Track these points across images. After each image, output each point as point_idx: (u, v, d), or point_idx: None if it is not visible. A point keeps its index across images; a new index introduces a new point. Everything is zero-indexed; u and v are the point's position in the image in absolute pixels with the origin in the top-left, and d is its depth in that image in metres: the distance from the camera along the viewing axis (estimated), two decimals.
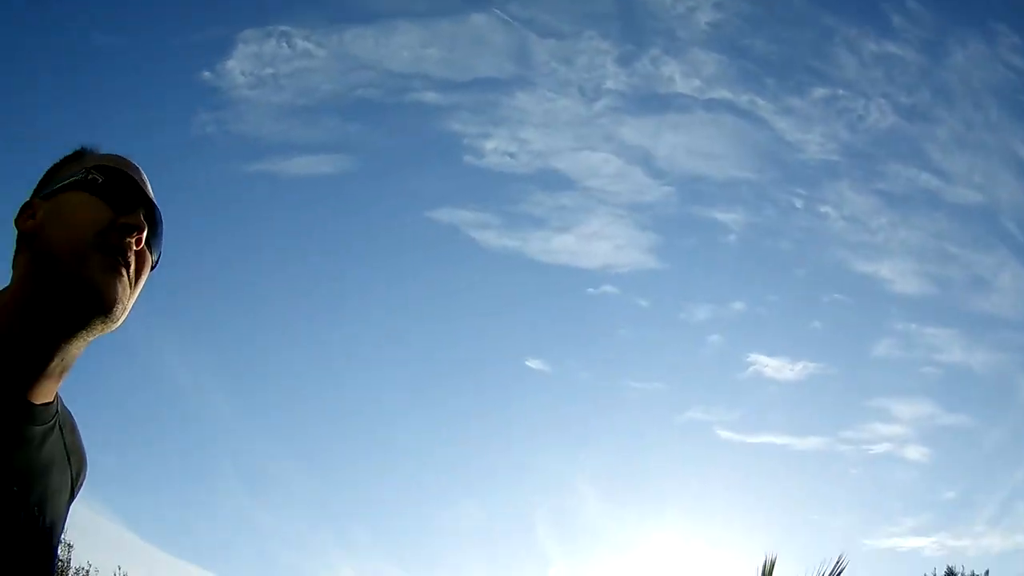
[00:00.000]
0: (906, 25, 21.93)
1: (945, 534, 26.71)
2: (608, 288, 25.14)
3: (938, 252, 24.44)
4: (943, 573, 7.82)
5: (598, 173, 25.15)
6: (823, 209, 24.54)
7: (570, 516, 29.85)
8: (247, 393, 27.39)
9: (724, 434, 26.07)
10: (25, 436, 1.00)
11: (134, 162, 1.16)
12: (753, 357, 25.03)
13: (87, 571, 7.82)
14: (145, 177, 1.15)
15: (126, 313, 1.07)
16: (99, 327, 1.03)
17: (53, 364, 1.02)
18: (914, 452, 26.13)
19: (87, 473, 1.18)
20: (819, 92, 23.57)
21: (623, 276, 25.02)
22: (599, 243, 25.96)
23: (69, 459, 1.11)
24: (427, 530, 31.42)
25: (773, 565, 6.85)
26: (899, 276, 25.83)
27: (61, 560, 7.54)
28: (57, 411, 1.08)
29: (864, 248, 25.48)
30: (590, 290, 25.72)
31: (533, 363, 26.29)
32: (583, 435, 29.82)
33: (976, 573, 7.72)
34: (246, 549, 27.51)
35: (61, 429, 1.09)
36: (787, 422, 27.37)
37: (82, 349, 1.07)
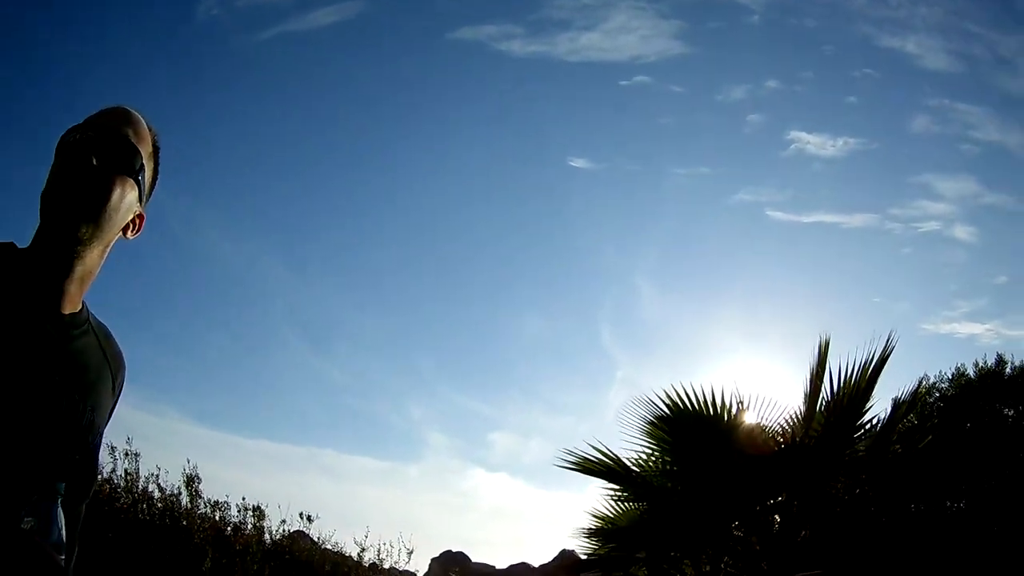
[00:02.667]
0: None
1: (999, 322, 26.55)
2: (641, 78, 24.87)
3: (960, 30, 24.08)
4: (993, 359, 7.80)
5: None
6: None
7: (631, 315, 29.75)
8: (294, 253, 27.41)
9: (775, 215, 25.89)
10: (60, 336, 1.23)
11: (122, 108, 1.37)
12: (794, 135, 24.75)
13: (156, 475, 8.06)
14: (125, 118, 1.35)
15: (110, 221, 1.27)
16: (88, 231, 1.24)
17: (74, 275, 1.25)
18: (962, 232, 25.98)
19: (125, 376, 1.39)
20: None
21: (654, 65, 24.75)
22: (625, 36, 25.68)
23: (108, 362, 1.33)
24: (490, 351, 31.44)
25: (828, 345, 6.63)
26: (926, 51, 25.57)
27: (130, 473, 7.92)
28: (88, 319, 1.32)
29: (888, 23, 25.14)
30: (623, 82, 25.44)
31: (576, 162, 26.14)
32: (634, 229, 29.65)
33: None
34: (316, 410, 27.69)
35: (96, 335, 1.32)
36: (835, 199, 27.09)
37: (98, 259, 1.30)
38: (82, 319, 1.29)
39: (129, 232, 1.37)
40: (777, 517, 6.63)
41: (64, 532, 1.17)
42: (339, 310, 29.16)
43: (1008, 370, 7.86)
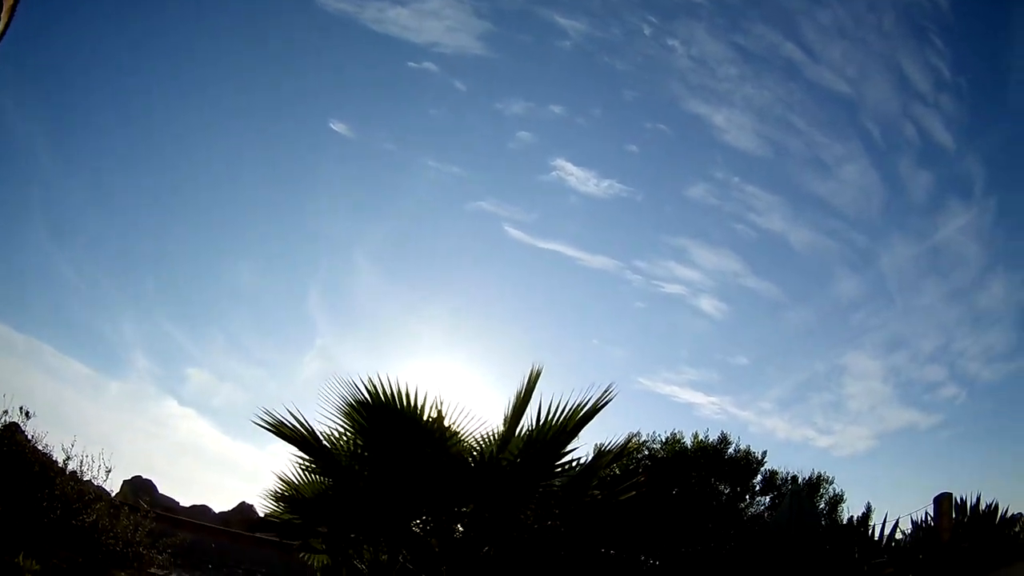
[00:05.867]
0: None
1: (729, 399, 27.35)
2: (429, 65, 24.91)
3: (782, 121, 24.59)
4: (717, 436, 7.95)
5: None
6: (671, 43, 24.46)
7: (342, 288, 29.90)
8: (69, 144, 26.61)
9: (513, 232, 26.24)
10: None
11: None
12: (559, 163, 25.09)
13: None
14: None
15: None
16: None
17: None
18: (709, 305, 26.63)
19: None
20: None
21: (446, 56, 24.77)
22: (433, 21, 25.71)
23: None
24: (204, 286, 31.36)
25: (538, 375, 6.74)
26: (735, 128, 25.99)
27: None
28: None
29: (704, 91, 25.53)
30: (411, 64, 25.42)
31: (338, 126, 26.12)
32: (368, 206, 29.54)
33: (752, 449, 7.76)
34: (45, 302, 27.38)
35: None
36: (581, 236, 27.51)
37: None
38: None
39: None
40: (460, 527, 6.81)
41: None
42: (89, 205, 28.75)
43: (731, 451, 8.16)
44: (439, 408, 6.44)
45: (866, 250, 27.58)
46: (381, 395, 6.33)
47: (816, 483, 9.45)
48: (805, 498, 8.86)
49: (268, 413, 6.52)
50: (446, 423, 6.50)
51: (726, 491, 7.87)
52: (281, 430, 6.54)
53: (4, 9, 1.04)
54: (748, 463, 8.08)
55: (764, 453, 8.22)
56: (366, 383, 6.33)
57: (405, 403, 6.37)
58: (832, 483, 9.66)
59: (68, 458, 8.68)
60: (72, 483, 8.37)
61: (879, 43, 23.27)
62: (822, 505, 9.34)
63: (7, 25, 1.09)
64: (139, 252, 29.82)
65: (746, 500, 8.10)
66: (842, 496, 9.91)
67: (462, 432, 6.56)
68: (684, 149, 25.35)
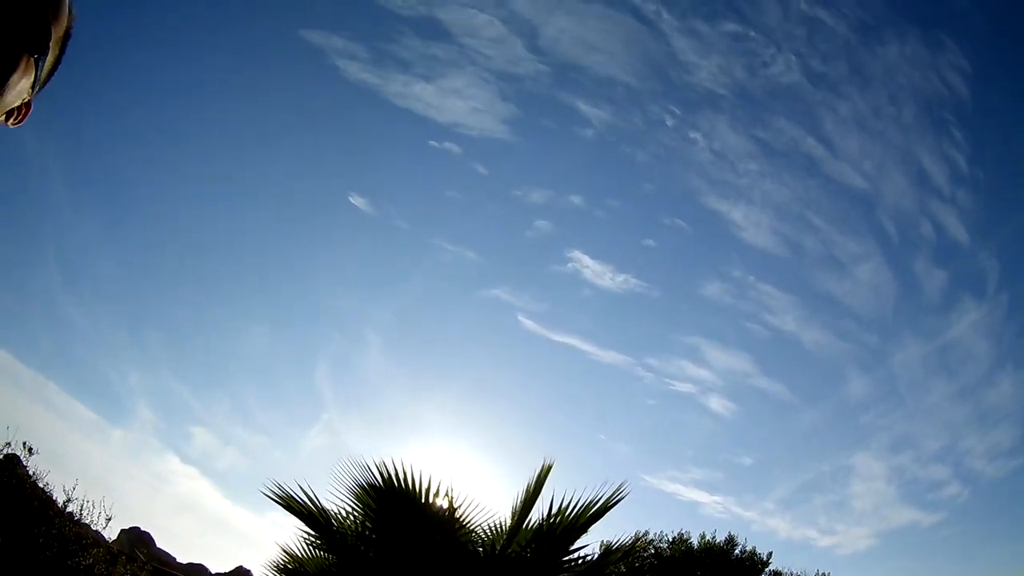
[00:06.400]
0: (848, 1, 21.15)
1: (732, 499, 26.82)
2: (451, 146, 24.79)
3: (800, 218, 24.32)
4: (724, 537, 7.78)
5: (478, 34, 24.53)
6: (693, 135, 24.30)
7: (351, 364, 29.59)
8: (86, 184, 26.66)
9: (526, 322, 25.89)
10: None
11: None
12: (576, 255, 24.82)
13: None
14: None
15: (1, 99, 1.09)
16: None
17: None
18: (719, 404, 26.25)
19: None
20: (730, 26, 22.97)
21: (470, 138, 24.64)
22: (457, 101, 25.65)
23: None
24: (214, 349, 31.19)
25: (549, 471, 6.62)
26: (752, 225, 25.74)
27: None
28: None
29: (723, 187, 25.33)
30: (432, 143, 25.33)
31: (357, 200, 25.96)
32: (384, 284, 29.31)
33: (758, 550, 7.60)
34: (50, 340, 27.31)
35: None
36: (593, 330, 27.12)
37: None
38: None
39: (12, 120, 1.20)
40: None
41: None
42: (99, 248, 28.95)
43: (737, 551, 8.04)
44: (449, 496, 6.39)
45: (877, 350, 27.50)
46: (392, 479, 6.28)
47: None
48: None
49: (278, 486, 6.48)
50: (455, 512, 6.44)
51: None
52: (290, 504, 6.49)
53: (52, 41, 1.03)
54: (753, 564, 7.95)
55: (770, 554, 8.12)
56: (378, 466, 6.29)
57: (415, 489, 6.32)
58: None
59: (69, 500, 8.62)
60: (71, 525, 8.30)
61: (898, 136, 23.41)
62: None
63: (58, 59, 1.07)
64: (148, 303, 30.14)
65: None
66: None
67: (470, 522, 6.50)
68: (702, 245, 25.40)
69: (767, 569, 8.08)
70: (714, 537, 7.94)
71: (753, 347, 25.19)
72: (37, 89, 1.20)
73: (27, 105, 1.21)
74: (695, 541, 7.88)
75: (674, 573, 7.38)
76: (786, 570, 8.59)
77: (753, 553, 8.03)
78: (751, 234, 25.93)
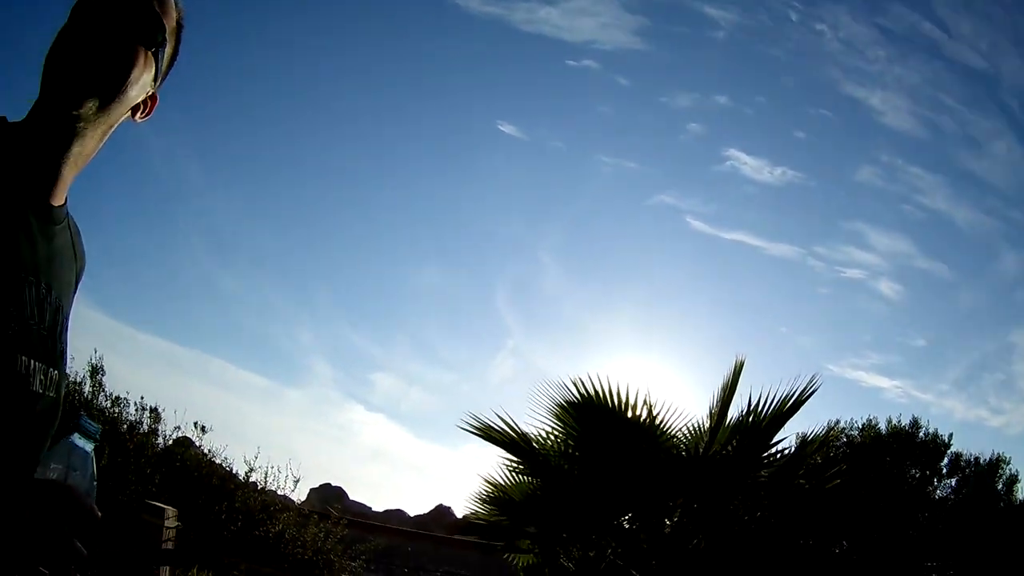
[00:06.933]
0: None
1: (910, 382, 26.65)
2: (589, 63, 24.79)
3: (933, 100, 24.09)
4: (908, 420, 7.80)
5: None
6: (819, 27, 24.05)
7: (530, 288, 30.00)
8: (217, 159, 27.39)
9: (696, 224, 25.95)
10: (47, 234, 1.10)
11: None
12: (732, 153, 24.80)
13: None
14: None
15: (123, 97, 1.13)
16: (94, 105, 1.09)
17: (70, 156, 1.11)
18: (887, 287, 26.16)
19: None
20: None
21: (606, 53, 24.65)
22: (584, 19, 25.74)
23: (75, 256, 1.21)
24: (386, 293, 31.77)
25: (742, 366, 6.64)
26: (891, 110, 25.55)
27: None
28: (67, 212, 1.17)
29: (857, 74, 25.07)
30: (570, 62, 25.35)
31: (505, 127, 26.16)
32: (550, 204, 29.58)
33: (940, 433, 7.62)
34: (211, 317, 28.14)
35: (70, 230, 1.19)
36: (761, 224, 27.15)
37: (97, 141, 1.16)
38: (63, 213, 1.16)
39: (139, 114, 1.24)
40: (668, 521, 6.74)
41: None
42: (246, 224, 29.29)
43: (921, 435, 7.93)
44: (648, 404, 6.39)
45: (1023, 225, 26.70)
46: (590, 394, 6.31)
47: (995, 464, 9.18)
48: (988, 480, 8.59)
49: (473, 417, 6.57)
50: (655, 419, 6.44)
51: (916, 475, 7.69)
52: (489, 433, 6.57)
53: (167, 33, 1.02)
54: (936, 446, 7.87)
55: (950, 436, 8.02)
56: (574, 382, 6.32)
57: (614, 401, 6.34)
58: (1008, 463, 9.42)
59: (251, 470, 8.92)
60: (255, 495, 8.58)
61: (1003, 15, 22.60)
62: (1000, 486, 9.07)
63: (175, 51, 1.06)
64: (307, 264, 30.50)
65: (934, 483, 7.90)
66: (1017, 476, 9.63)
67: (670, 427, 6.51)
68: (847, 132, 25.11)
69: (948, 451, 8.03)
70: (899, 421, 7.90)
71: (910, 228, 24.99)
72: (160, 82, 1.24)
73: (152, 99, 1.25)
74: (883, 426, 7.83)
75: (865, 459, 7.34)
76: (965, 451, 8.52)
77: (935, 436, 7.96)
78: (891, 118, 25.72)
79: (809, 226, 27.74)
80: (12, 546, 0.84)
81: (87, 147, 1.14)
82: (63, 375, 1.11)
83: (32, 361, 1.00)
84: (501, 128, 25.96)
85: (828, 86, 24.08)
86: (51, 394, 1.04)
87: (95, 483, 0.98)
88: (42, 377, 1.02)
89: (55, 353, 1.07)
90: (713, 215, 27.05)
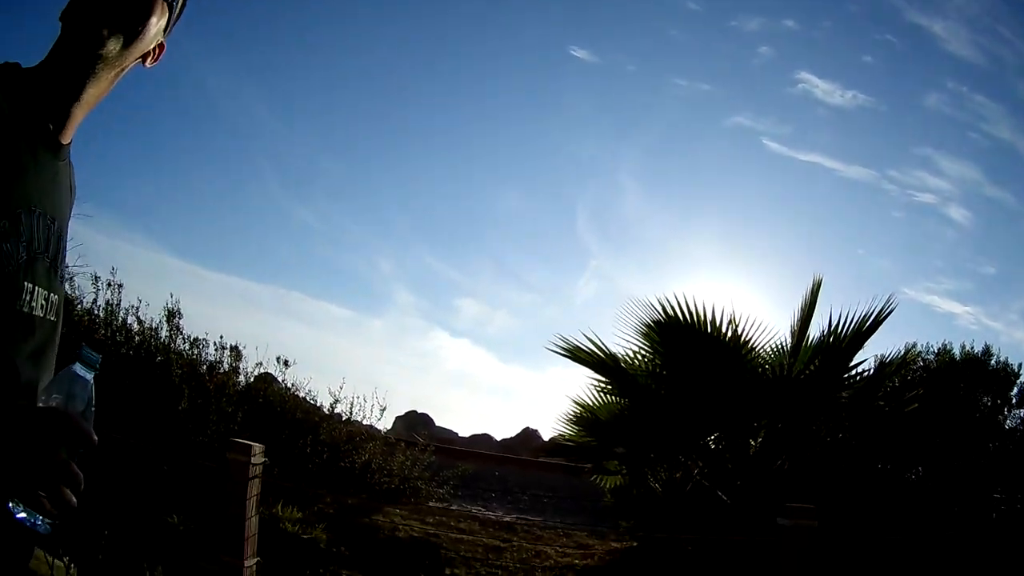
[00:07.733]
0: None
1: (981, 309, 26.67)
2: None
3: (991, 30, 24.06)
4: (980, 347, 7.95)
5: None
6: None
7: (610, 209, 30.41)
8: (283, 94, 27.83)
9: (771, 145, 26.11)
10: (53, 169, 1.17)
11: None
12: (804, 76, 24.99)
13: (136, 307, 8.30)
14: None
15: (139, 42, 1.19)
16: (114, 47, 1.15)
17: (84, 98, 1.17)
18: (957, 213, 26.26)
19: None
20: None
21: None
22: None
23: (71, 191, 1.27)
24: (466, 218, 32.30)
25: (819, 285, 6.82)
26: (953, 37, 25.56)
27: (111, 304, 8.09)
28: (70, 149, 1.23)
29: (919, 2, 25.20)
30: None
31: (578, 52, 26.50)
32: (626, 127, 29.91)
33: (1011, 362, 7.73)
34: (287, 252, 28.76)
35: (70, 166, 1.25)
36: (835, 147, 27.31)
37: (109, 84, 1.21)
38: (68, 152, 1.21)
39: (149, 60, 1.27)
40: (753, 442, 6.94)
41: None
42: (318, 156, 29.40)
43: (993, 362, 8.02)
44: (733, 322, 6.58)
45: None
46: (677, 314, 6.50)
47: None
48: None
49: (561, 339, 6.81)
50: (740, 338, 6.63)
51: (987, 402, 7.80)
52: (577, 354, 6.82)
53: None
54: (1007, 375, 7.97)
55: (1020, 365, 8.10)
56: (661, 302, 6.52)
57: (700, 320, 6.53)
58: None
59: (336, 401, 9.15)
60: (340, 426, 8.82)
61: None
62: None
63: (184, 2, 1.17)
64: (384, 193, 30.78)
65: (1004, 413, 8.00)
66: None
67: (755, 345, 6.69)
68: (914, 58, 25.05)
69: (1018, 381, 8.11)
70: (972, 347, 8.00)
71: (978, 156, 24.90)
72: (169, 30, 1.29)
73: (161, 46, 1.28)
74: (957, 352, 7.95)
75: (940, 384, 7.48)
76: None
77: (1007, 364, 8.05)
78: (954, 46, 25.62)
79: (881, 149, 27.64)
80: (11, 470, 0.88)
81: (100, 88, 1.18)
82: (62, 299, 1.20)
83: (36, 287, 1.09)
84: (574, 53, 26.22)
85: (892, 13, 24.05)
86: (51, 317, 1.14)
87: (93, 409, 1.04)
88: (43, 302, 1.11)
89: (56, 279, 1.16)
90: (788, 137, 27.05)
